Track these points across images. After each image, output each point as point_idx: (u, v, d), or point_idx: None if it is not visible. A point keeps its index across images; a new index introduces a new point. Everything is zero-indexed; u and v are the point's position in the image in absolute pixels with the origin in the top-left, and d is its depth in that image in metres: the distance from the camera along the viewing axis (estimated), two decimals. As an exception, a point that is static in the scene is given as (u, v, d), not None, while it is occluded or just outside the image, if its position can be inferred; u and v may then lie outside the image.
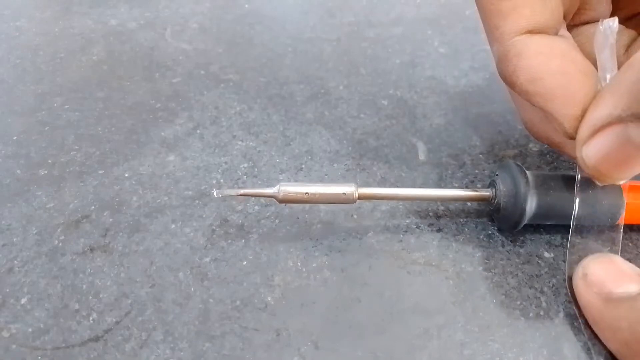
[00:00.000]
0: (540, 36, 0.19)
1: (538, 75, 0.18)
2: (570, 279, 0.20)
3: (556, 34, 0.20)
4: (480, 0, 0.20)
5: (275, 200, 0.21)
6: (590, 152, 0.17)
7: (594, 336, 0.19)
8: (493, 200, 0.23)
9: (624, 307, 0.18)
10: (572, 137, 0.18)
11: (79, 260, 0.22)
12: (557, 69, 0.18)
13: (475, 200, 0.24)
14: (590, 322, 0.19)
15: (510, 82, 0.19)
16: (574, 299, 0.20)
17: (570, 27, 0.23)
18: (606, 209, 0.21)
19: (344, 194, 0.21)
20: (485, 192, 0.23)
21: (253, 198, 0.25)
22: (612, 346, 0.19)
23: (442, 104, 0.32)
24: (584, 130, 0.17)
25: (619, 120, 0.16)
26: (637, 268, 0.19)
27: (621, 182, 0.18)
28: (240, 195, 0.22)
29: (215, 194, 0.21)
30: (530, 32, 0.19)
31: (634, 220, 0.23)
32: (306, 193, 0.21)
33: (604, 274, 0.19)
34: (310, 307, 0.20)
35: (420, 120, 0.31)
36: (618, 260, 0.20)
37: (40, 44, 0.36)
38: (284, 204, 0.24)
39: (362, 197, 0.22)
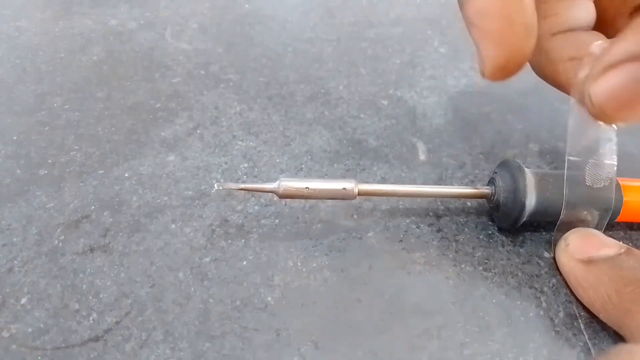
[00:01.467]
0: None
1: (487, 11, 0.17)
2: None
3: None
4: None
5: (275, 195, 0.21)
6: (600, 89, 0.17)
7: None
8: (492, 197, 0.23)
9: (604, 265, 0.19)
10: (486, 78, 0.18)
11: (79, 260, 0.22)
12: (504, 14, 0.17)
13: (474, 198, 0.24)
14: (573, 288, 0.21)
15: (461, 3, 0.18)
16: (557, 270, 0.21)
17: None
18: (599, 206, 0.21)
19: (344, 189, 0.21)
20: (485, 189, 0.23)
21: (253, 198, 0.25)
22: (595, 305, 0.19)
23: (442, 104, 0.32)
24: (597, 67, 0.17)
25: (636, 57, 0.16)
26: (615, 240, 0.20)
27: (621, 124, 0.18)
28: (241, 189, 0.22)
29: (216, 186, 0.22)
30: None
31: (633, 219, 0.23)
32: (306, 188, 0.21)
33: (584, 242, 0.21)
34: (310, 307, 0.20)
35: (420, 120, 0.31)
36: (597, 232, 0.21)
37: (40, 44, 0.36)
38: (284, 202, 0.24)
39: (362, 193, 0.22)
